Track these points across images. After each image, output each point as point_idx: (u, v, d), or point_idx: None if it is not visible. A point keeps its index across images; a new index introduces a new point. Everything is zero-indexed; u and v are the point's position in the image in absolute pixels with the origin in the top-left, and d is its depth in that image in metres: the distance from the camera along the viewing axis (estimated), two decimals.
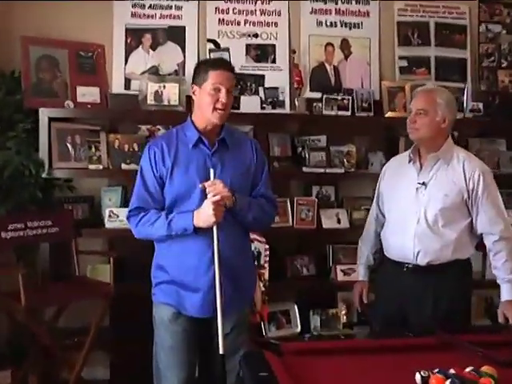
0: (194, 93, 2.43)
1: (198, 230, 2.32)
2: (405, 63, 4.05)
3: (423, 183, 2.65)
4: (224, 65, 2.42)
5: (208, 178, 2.34)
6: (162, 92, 3.60)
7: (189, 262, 2.38)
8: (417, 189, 2.66)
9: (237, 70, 3.75)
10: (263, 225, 2.62)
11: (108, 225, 3.45)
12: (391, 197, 2.80)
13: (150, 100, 3.59)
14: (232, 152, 2.44)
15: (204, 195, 2.33)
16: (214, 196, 2.29)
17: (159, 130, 3.59)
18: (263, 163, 2.55)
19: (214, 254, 2.31)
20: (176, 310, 2.42)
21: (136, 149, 3.49)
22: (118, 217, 3.45)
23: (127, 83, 3.73)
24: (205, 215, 2.29)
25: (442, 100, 2.65)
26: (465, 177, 2.62)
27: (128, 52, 3.75)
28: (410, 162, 2.73)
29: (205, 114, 2.38)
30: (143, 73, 3.74)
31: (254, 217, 2.43)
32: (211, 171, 2.34)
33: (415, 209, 2.65)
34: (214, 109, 2.34)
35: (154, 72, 3.74)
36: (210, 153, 2.40)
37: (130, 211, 2.42)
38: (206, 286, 2.36)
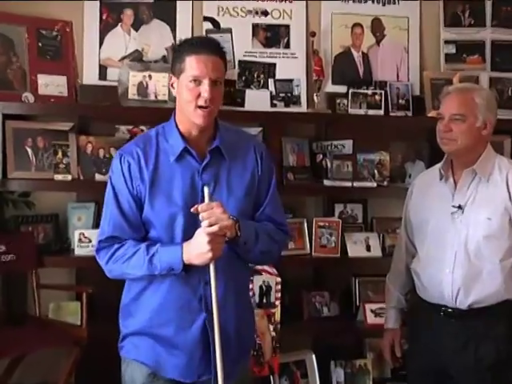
0: (172, 85, 2.31)
1: (187, 268, 2.21)
2: (453, 49, 4.04)
3: (459, 206, 2.65)
4: (206, 46, 2.23)
5: (201, 200, 2.23)
6: (147, 83, 3.59)
7: (169, 309, 2.28)
8: (452, 213, 2.66)
9: (241, 57, 3.84)
10: (271, 259, 2.58)
11: (77, 251, 3.44)
12: (421, 224, 2.80)
13: (132, 94, 3.58)
14: (230, 164, 2.33)
15: (193, 222, 2.21)
16: (210, 225, 2.15)
17: (143, 131, 3.53)
18: (270, 175, 2.43)
19: (212, 299, 2.20)
20: (152, 370, 2.32)
21: (114, 155, 3.42)
22: (89, 241, 3.43)
23: (102, 72, 3.72)
24: (198, 249, 2.17)
25: (483, 100, 2.63)
26: (509, 192, 2.61)
27: (103, 32, 3.74)
28: (441, 179, 2.73)
29: (186, 114, 2.26)
30: (123, 58, 3.73)
31: (262, 251, 2.33)
32: (206, 190, 2.21)
33: (452, 238, 2.65)
34: (196, 107, 2.21)
35: (137, 58, 3.73)
36: (199, 167, 2.28)
37: (100, 242, 2.31)
38: (192, 342, 2.28)
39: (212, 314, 2.20)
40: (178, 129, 2.30)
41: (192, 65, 2.20)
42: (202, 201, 2.22)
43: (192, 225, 2.22)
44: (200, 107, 2.20)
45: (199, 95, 2.20)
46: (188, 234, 2.22)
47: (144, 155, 2.28)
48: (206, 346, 2.27)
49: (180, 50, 2.26)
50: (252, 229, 2.30)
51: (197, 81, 2.19)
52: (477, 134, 2.62)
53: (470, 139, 2.62)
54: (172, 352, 2.30)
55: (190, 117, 2.24)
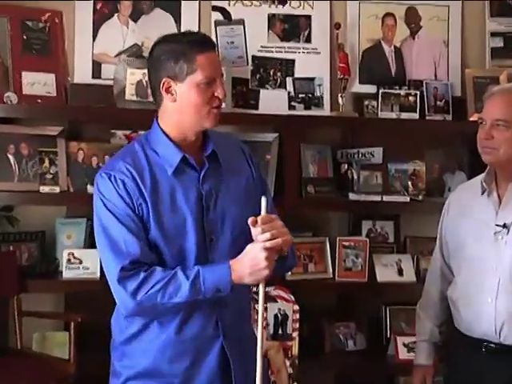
0: (167, 90, 2.27)
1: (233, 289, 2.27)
2: (500, 42, 4.03)
3: (504, 225, 2.61)
4: (210, 42, 2.30)
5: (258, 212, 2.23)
6: (146, 83, 3.54)
7: (181, 342, 2.30)
8: (495, 233, 2.62)
9: (255, 53, 3.84)
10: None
11: (66, 274, 3.44)
12: (458, 245, 2.77)
13: (130, 94, 3.58)
14: (226, 170, 2.38)
15: (204, 238, 2.28)
16: (271, 238, 2.19)
17: None
18: (263, 180, 2.57)
19: (258, 323, 2.23)
20: None
21: None
22: (80, 262, 3.44)
23: (96, 69, 3.73)
24: (254, 265, 2.21)
25: None
26: None
27: (98, 23, 3.75)
28: (483, 193, 2.69)
29: (192, 120, 2.29)
30: (120, 54, 3.73)
31: (291, 266, 2.54)
32: (263, 200, 2.24)
33: (494, 263, 2.60)
34: (211, 109, 2.27)
35: (136, 53, 3.73)
36: (200, 176, 2.32)
37: (122, 270, 2.24)
38: (210, 373, 2.31)
39: (227, 338, 2.30)
40: (167, 137, 2.32)
41: (205, 65, 2.23)
42: (258, 213, 2.23)
43: (203, 241, 2.28)
44: (215, 108, 2.27)
45: (213, 96, 2.26)
46: (200, 252, 2.28)
47: (137, 171, 2.27)
48: (226, 376, 2.31)
49: (183, 48, 2.25)
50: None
51: (211, 81, 2.25)
52: None
53: None
54: None
55: (198, 122, 2.28)
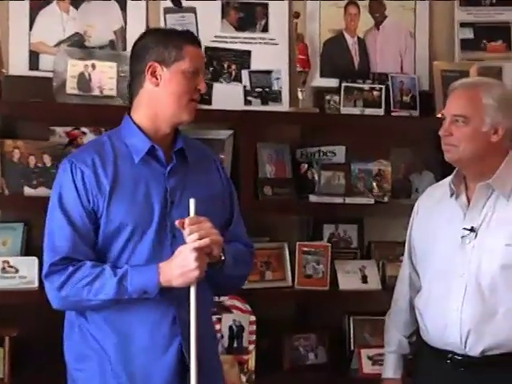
0: (152, 74, 2.48)
1: (162, 292, 2.36)
2: (470, 34, 4.07)
3: (472, 229, 2.66)
4: (197, 40, 2.56)
5: (184, 212, 2.38)
6: (89, 75, 3.59)
7: (136, 342, 2.41)
8: (462, 237, 2.67)
9: (208, 44, 3.82)
10: (239, 286, 2.78)
11: (0, 283, 3.38)
12: (426, 250, 2.83)
13: (71, 87, 3.57)
14: (194, 170, 2.54)
15: (164, 235, 2.42)
16: (199, 238, 2.32)
17: (84, 134, 3.56)
18: (232, 188, 2.72)
19: (191, 326, 2.32)
20: None
21: (48, 163, 3.48)
22: (16, 271, 3.40)
23: (33, 60, 3.70)
24: (183, 266, 2.33)
25: (492, 100, 2.65)
26: None
27: (35, 9, 3.72)
28: (452, 195, 2.75)
29: (170, 109, 2.47)
30: (59, 43, 3.72)
31: (239, 275, 2.62)
32: (192, 202, 2.37)
33: (460, 269, 2.66)
34: (190, 100, 2.47)
35: (78, 43, 3.72)
36: (165, 171, 2.47)
37: (51, 265, 2.39)
38: (167, 373, 2.40)
39: (188, 338, 2.35)
40: (139, 128, 2.50)
41: (193, 55, 2.48)
42: (186, 213, 2.38)
43: (161, 239, 2.43)
44: (194, 100, 2.48)
45: (195, 88, 2.48)
46: (156, 250, 2.41)
47: (101, 162, 2.44)
48: (184, 375, 2.40)
49: (174, 38, 2.51)
50: (232, 251, 2.51)
51: (195, 72, 2.47)
52: (484, 141, 2.64)
53: (476, 146, 2.64)
54: None
55: (175, 112, 2.47)
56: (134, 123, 2.51)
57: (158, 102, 2.48)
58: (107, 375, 2.42)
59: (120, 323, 2.42)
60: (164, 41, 2.49)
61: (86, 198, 2.40)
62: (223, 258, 2.44)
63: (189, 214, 2.37)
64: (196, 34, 2.64)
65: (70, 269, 2.37)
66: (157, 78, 2.47)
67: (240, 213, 2.70)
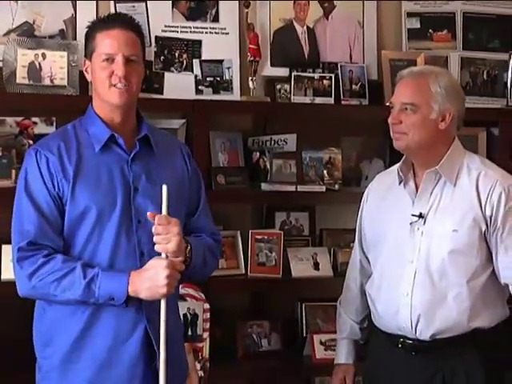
0: (86, 70, 2.58)
1: (130, 301, 2.38)
2: (417, 23, 4.11)
3: (420, 215, 2.70)
4: (117, 21, 2.53)
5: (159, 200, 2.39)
6: (39, 64, 3.56)
7: (100, 341, 2.43)
8: (411, 223, 2.71)
9: (158, 33, 3.81)
10: (207, 276, 2.81)
11: None
12: (375, 237, 2.87)
13: (22, 77, 3.53)
14: (159, 158, 2.57)
15: (128, 222, 2.44)
16: (167, 243, 2.35)
17: (35, 124, 3.51)
18: (199, 178, 2.74)
19: (161, 339, 2.35)
20: None
21: None
22: None
23: None
24: (152, 281, 2.35)
25: (440, 87, 2.70)
26: (479, 199, 2.67)
27: None
28: (400, 182, 2.78)
29: (102, 97, 2.51)
30: (8, 33, 3.65)
31: (209, 269, 2.69)
32: (164, 188, 2.38)
33: (410, 254, 2.71)
34: (110, 85, 2.47)
35: (27, 32, 3.66)
36: (128, 158, 2.50)
37: (20, 249, 2.40)
38: (131, 358, 2.43)
39: (154, 324, 2.39)
40: (99, 118, 2.54)
41: (103, 41, 2.47)
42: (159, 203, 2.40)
43: (127, 225, 2.45)
44: (114, 85, 2.46)
45: (112, 73, 2.46)
46: (122, 235, 2.44)
47: (65, 149, 2.48)
48: (150, 360, 2.45)
49: (90, 29, 2.55)
50: (201, 251, 2.56)
51: (109, 59, 2.46)
52: (432, 128, 2.68)
53: (424, 133, 2.68)
54: (107, 375, 2.43)
55: (106, 98, 2.49)
56: (95, 112, 2.55)
57: (96, 92, 2.55)
58: (70, 359, 2.44)
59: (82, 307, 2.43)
60: (87, 33, 2.57)
61: (52, 183, 2.42)
62: (189, 260, 2.47)
63: (161, 201, 2.39)
64: (125, 17, 2.59)
65: (41, 260, 2.38)
66: (88, 73, 2.56)
67: (207, 203, 2.73)
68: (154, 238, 2.37)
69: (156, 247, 2.37)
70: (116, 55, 2.45)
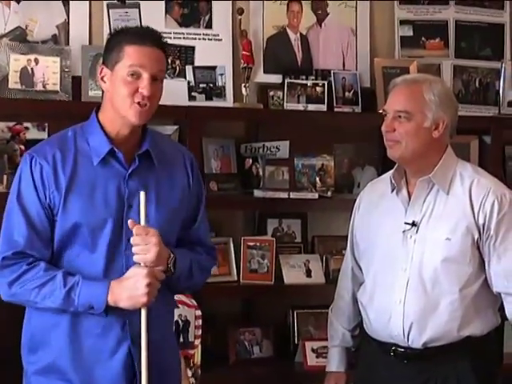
0: (102, 78, 2.47)
1: (110, 310, 2.35)
2: (409, 31, 4.12)
3: (413, 223, 2.70)
4: (148, 37, 2.45)
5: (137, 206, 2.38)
6: (32, 70, 3.54)
7: (83, 342, 2.40)
8: (404, 232, 2.71)
9: None
10: (196, 289, 2.83)
11: None
12: (368, 244, 2.86)
13: (14, 82, 3.52)
14: (160, 173, 2.51)
15: (120, 237, 2.40)
16: (146, 253, 2.32)
17: (27, 129, 3.50)
18: (200, 189, 2.69)
19: (142, 344, 2.33)
20: None
21: None
22: None
23: None
24: (132, 290, 2.32)
25: (433, 95, 2.69)
26: (472, 207, 2.66)
27: None
28: (393, 190, 2.78)
29: (119, 112, 2.43)
30: (1, 38, 3.63)
31: (194, 283, 2.63)
32: (142, 195, 2.35)
33: (403, 262, 2.70)
34: (133, 103, 2.39)
35: (20, 37, 3.65)
36: (126, 173, 2.45)
37: (4, 259, 2.38)
38: (112, 377, 2.40)
39: (137, 343, 2.36)
40: (102, 129, 2.47)
41: (132, 55, 2.39)
42: (137, 208, 2.37)
43: (118, 240, 2.41)
44: (137, 103, 2.39)
45: (136, 90, 2.38)
46: (112, 251, 2.40)
47: (61, 158, 2.42)
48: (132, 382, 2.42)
49: (117, 39, 2.46)
50: (187, 263, 2.52)
51: (135, 75, 2.38)
52: (426, 136, 2.67)
53: (418, 142, 2.67)
54: None
55: (124, 114, 2.41)
56: (99, 122, 2.48)
57: (111, 104, 2.46)
58: (52, 370, 2.42)
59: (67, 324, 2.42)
60: (111, 42, 2.48)
61: (44, 193, 2.39)
62: (172, 271, 2.43)
63: (139, 209, 2.36)
64: (156, 35, 2.51)
65: (24, 267, 2.36)
66: (105, 82, 2.46)
67: (206, 216, 2.70)
68: (133, 249, 2.34)
69: (134, 258, 2.34)
70: (144, 72, 2.38)
